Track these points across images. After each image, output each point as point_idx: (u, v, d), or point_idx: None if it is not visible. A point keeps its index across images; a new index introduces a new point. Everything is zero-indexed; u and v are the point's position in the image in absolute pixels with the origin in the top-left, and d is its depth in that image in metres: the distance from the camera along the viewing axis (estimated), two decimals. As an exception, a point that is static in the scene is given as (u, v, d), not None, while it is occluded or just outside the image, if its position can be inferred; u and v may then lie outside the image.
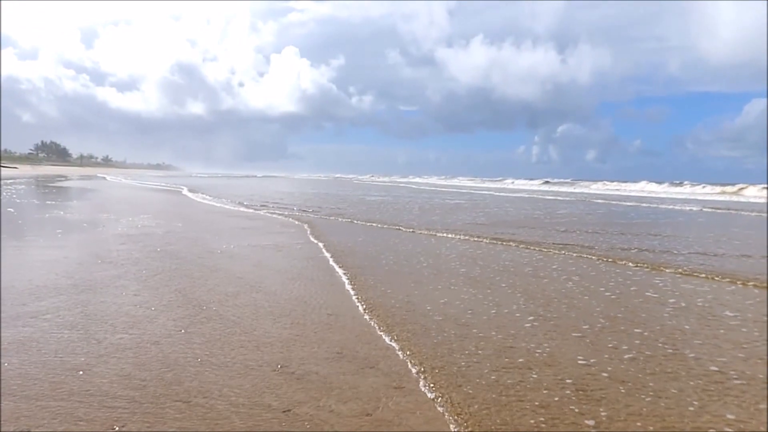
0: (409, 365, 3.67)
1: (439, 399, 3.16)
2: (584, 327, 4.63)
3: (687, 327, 4.69)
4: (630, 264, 7.68)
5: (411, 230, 11.60)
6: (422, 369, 3.60)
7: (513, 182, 69.74)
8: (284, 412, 2.95)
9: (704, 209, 21.89)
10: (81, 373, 3.38)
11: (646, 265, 7.57)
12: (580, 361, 3.79)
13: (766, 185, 38.48)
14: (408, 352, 3.90)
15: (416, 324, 4.60)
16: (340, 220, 13.81)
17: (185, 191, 27.55)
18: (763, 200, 31.86)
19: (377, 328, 4.49)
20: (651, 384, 3.42)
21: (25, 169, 74.60)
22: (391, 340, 4.18)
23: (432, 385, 3.35)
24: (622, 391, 3.31)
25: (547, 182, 65.98)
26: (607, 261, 7.92)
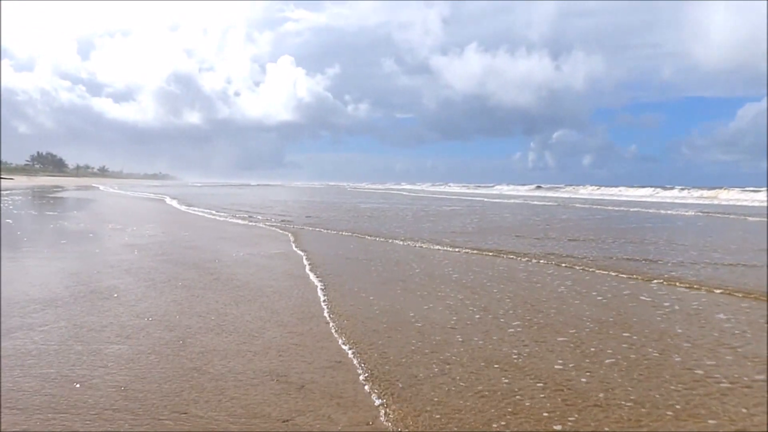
0: (401, 373, 3.66)
1: (392, 406, 3.14)
2: (571, 331, 4.64)
3: (679, 331, 4.69)
4: (583, 269, 7.70)
5: (395, 239, 11.58)
6: (400, 376, 3.59)
7: (503, 188, 71.39)
8: (284, 422, 2.94)
9: (680, 212, 22.45)
10: (78, 385, 3.35)
11: (623, 273, 7.60)
12: (557, 366, 3.78)
13: (747, 188, 39.85)
14: (388, 360, 3.90)
15: (397, 331, 4.60)
16: (326, 231, 13.80)
17: (175, 203, 27.46)
18: (740, 203, 32.83)
19: (372, 336, 4.48)
20: (630, 389, 3.40)
21: (21, 180, 74.18)
22: (379, 347, 4.17)
23: (401, 392, 3.34)
24: (600, 396, 3.29)
25: (539, 187, 67.50)
26: (579, 268, 7.95)
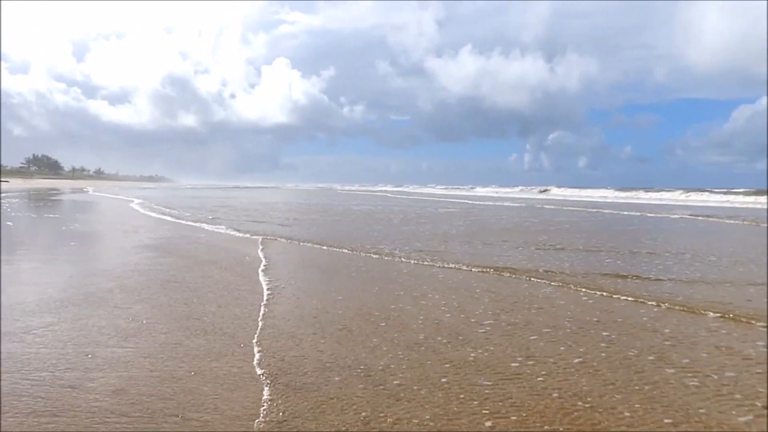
0: (403, 373, 3.67)
1: (386, 410, 3.17)
2: (545, 330, 4.66)
3: (666, 331, 4.69)
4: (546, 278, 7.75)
5: (374, 251, 11.59)
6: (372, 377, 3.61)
7: (498, 189, 73.32)
8: (279, 423, 2.95)
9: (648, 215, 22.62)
10: (74, 388, 3.35)
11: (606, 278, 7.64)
12: (513, 364, 3.80)
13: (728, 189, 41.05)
14: (381, 362, 3.92)
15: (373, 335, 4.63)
16: (296, 242, 13.79)
17: (139, 206, 27.35)
18: (726, 205, 33.31)
19: (369, 336, 4.50)
20: (585, 388, 3.39)
21: (16, 183, 73.52)
22: (376, 348, 4.19)
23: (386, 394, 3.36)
24: (555, 396, 3.28)
25: (522, 189, 69.53)
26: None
